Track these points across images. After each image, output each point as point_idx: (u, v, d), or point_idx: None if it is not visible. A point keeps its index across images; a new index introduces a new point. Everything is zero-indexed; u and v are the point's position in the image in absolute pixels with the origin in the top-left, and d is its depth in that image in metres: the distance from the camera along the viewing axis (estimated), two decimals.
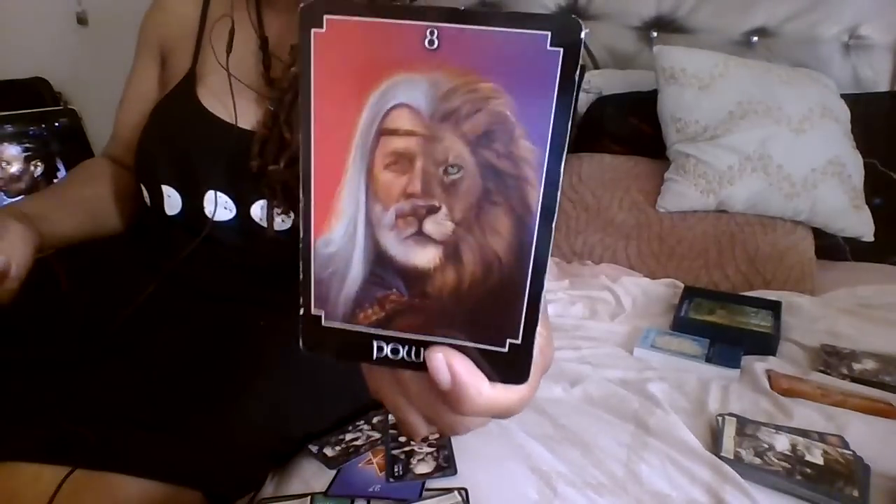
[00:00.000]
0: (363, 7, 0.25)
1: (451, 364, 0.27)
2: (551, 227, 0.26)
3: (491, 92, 0.25)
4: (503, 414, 0.29)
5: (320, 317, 0.29)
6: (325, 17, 0.25)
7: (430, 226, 0.27)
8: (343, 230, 0.27)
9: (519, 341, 0.27)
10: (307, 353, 0.30)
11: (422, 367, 0.28)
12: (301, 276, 0.29)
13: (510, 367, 0.27)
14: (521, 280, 0.26)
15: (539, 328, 0.28)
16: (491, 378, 0.28)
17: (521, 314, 0.27)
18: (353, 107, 0.26)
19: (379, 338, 0.28)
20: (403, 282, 0.27)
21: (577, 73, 0.24)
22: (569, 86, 0.24)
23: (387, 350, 0.28)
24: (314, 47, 0.25)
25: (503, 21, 0.24)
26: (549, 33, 0.23)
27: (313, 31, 0.25)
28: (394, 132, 0.26)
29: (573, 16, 0.24)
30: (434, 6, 0.25)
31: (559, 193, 0.26)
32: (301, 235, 0.28)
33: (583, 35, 0.23)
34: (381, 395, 0.32)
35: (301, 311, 0.29)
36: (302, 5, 0.25)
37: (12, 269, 0.65)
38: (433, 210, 0.27)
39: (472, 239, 0.27)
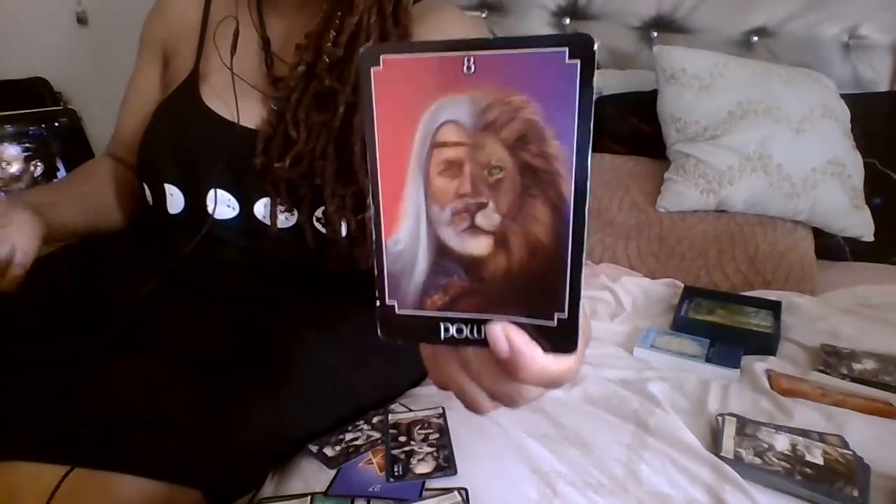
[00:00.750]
0: (411, 46, 0.30)
1: (508, 335, 0.31)
2: (584, 213, 0.29)
3: (522, 103, 0.29)
4: (555, 382, 0.32)
5: (394, 306, 0.33)
6: (381, 56, 0.30)
7: (480, 219, 0.31)
8: (408, 229, 0.32)
9: (565, 315, 0.31)
10: (385, 340, 0.34)
11: (482, 342, 0.32)
12: (375, 273, 0.33)
13: (559, 338, 0.31)
14: (563, 260, 0.30)
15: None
16: (544, 349, 0.31)
17: (566, 290, 0.30)
18: (409, 127, 0.31)
19: (445, 320, 0.33)
20: (463, 269, 0.32)
21: (594, 79, 0.28)
22: (587, 91, 0.28)
23: (452, 330, 0.33)
24: (374, 82, 0.30)
25: (526, 43, 0.28)
26: (567, 49, 0.27)
27: (372, 69, 0.30)
28: (444, 144, 0.31)
29: (586, 33, 0.28)
30: (468, 39, 0.29)
31: (588, 183, 0.29)
32: (373, 238, 0.33)
33: (595, 48, 0.27)
34: (447, 380, 0.35)
35: (377, 304, 0.33)
36: (362, 50, 0.30)
37: (17, 255, 0.66)
38: (482, 206, 0.31)
39: (517, 228, 0.31)
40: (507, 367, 0.31)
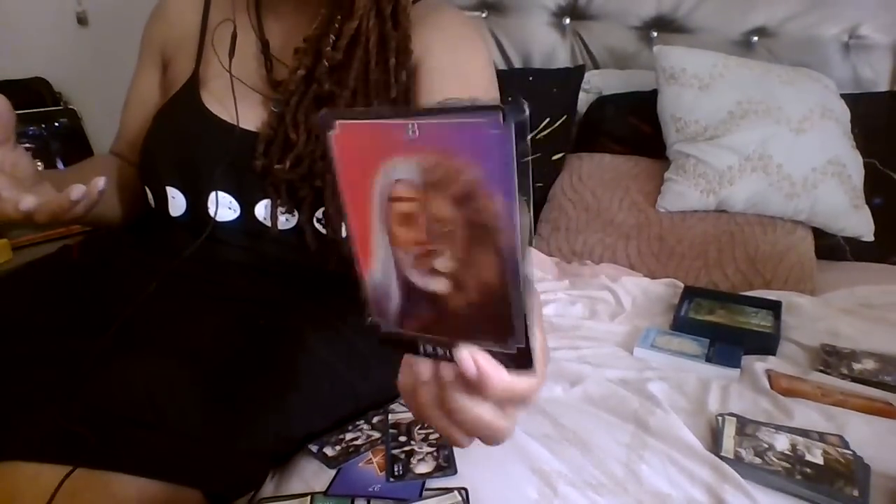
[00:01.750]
0: (361, 112, 0.34)
1: (475, 358, 0.33)
2: (528, 257, 0.32)
3: (463, 165, 0.31)
4: (522, 399, 0.35)
5: (379, 325, 0.38)
6: (336, 122, 0.33)
7: (438, 264, 0.34)
8: (381, 267, 0.36)
9: (523, 344, 0.33)
10: (382, 347, 0.38)
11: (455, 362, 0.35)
12: (363, 297, 0.37)
13: (519, 361, 0.34)
14: (513, 300, 0.32)
15: (539, 334, 0.34)
16: (507, 369, 0.34)
17: (520, 324, 0.33)
18: (367, 183, 0.34)
19: (422, 339, 0.36)
20: (429, 303, 0.35)
21: (528, 140, 0.29)
22: (524, 151, 0.29)
23: (429, 349, 0.36)
24: (333, 144, 0.34)
25: (463, 111, 0.30)
26: (502, 114, 0.29)
27: (329, 133, 0.33)
28: (399, 199, 0.33)
29: (519, 98, 0.29)
30: (410, 107, 0.34)
31: (530, 233, 0.31)
32: (356, 269, 0.36)
33: (527, 110, 0.29)
34: (428, 420, 0.38)
35: (367, 319, 0.38)
36: (320, 114, 0.33)
37: (98, 183, 0.64)
38: (439, 253, 0.34)
39: (470, 272, 0.33)
40: (477, 387, 0.34)
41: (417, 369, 0.37)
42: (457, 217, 0.32)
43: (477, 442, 0.37)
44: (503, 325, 0.33)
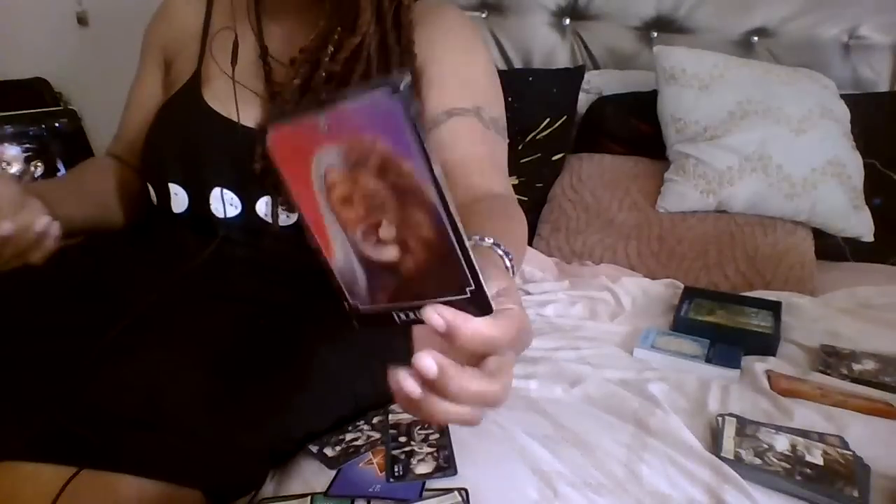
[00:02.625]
0: (286, 114, 0.37)
1: (440, 313, 0.37)
2: (450, 206, 0.35)
3: (371, 141, 0.34)
4: (494, 342, 0.38)
5: (357, 305, 0.42)
6: (271, 125, 0.37)
7: (382, 233, 0.37)
8: (341, 251, 0.40)
9: (473, 286, 0.37)
10: (360, 330, 0.42)
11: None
12: (334, 284, 0.41)
13: (477, 305, 0.38)
14: (451, 247, 0.36)
15: (514, 306, 0.40)
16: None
17: (465, 268, 0.37)
18: (306, 177, 0.38)
19: (395, 309, 0.40)
20: (387, 272, 0.39)
21: (414, 108, 0.33)
22: (416, 117, 0.33)
23: (403, 316, 0.40)
24: (274, 147, 0.37)
25: (357, 93, 0.33)
26: (389, 88, 0.32)
27: (270, 136, 0.37)
28: (333, 186, 0.37)
29: (398, 72, 0.33)
30: (321, 98, 0.35)
31: (443, 183, 0.34)
32: (323, 260, 0.40)
33: (408, 77, 0.33)
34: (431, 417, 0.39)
35: (345, 305, 0.42)
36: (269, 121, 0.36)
37: (52, 227, 0.67)
38: (378, 224, 0.37)
39: (409, 233, 0.36)
40: (450, 338, 0.37)
41: (407, 388, 0.38)
42: (382, 187, 0.35)
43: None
44: (452, 274, 0.37)
